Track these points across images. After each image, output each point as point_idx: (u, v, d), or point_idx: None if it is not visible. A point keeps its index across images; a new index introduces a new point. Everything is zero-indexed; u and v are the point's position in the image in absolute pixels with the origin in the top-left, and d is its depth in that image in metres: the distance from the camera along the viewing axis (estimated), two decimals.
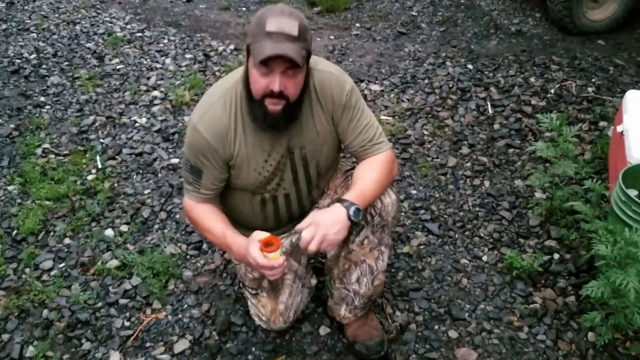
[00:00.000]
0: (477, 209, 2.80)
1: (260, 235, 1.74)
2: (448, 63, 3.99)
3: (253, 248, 1.72)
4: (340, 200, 1.77)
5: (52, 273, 2.49)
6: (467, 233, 2.67)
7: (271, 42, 1.58)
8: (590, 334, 2.18)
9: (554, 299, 2.34)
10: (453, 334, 2.22)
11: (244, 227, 2.00)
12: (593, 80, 3.74)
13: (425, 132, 3.33)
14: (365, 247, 1.97)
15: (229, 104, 1.78)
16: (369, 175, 1.86)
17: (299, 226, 1.75)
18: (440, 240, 2.63)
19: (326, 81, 1.83)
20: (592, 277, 2.17)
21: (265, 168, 1.86)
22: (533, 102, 3.53)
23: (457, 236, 2.65)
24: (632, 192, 2.14)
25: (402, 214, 2.74)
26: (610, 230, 2.03)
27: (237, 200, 1.99)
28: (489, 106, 3.52)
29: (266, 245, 1.71)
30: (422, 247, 2.59)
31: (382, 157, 1.91)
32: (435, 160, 3.12)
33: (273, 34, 1.58)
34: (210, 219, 1.91)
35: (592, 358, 2.12)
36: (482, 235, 2.65)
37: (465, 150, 3.18)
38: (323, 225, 1.71)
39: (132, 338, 2.22)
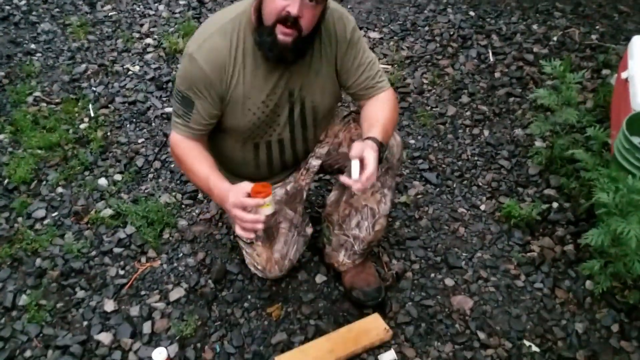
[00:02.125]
0: (476, 158, 2.76)
1: (247, 186, 1.64)
2: (449, 10, 3.87)
3: (233, 195, 1.63)
4: (369, 138, 1.69)
5: (45, 222, 2.46)
6: (465, 182, 2.63)
7: None
8: (588, 282, 2.17)
9: (552, 247, 2.32)
10: (449, 281, 2.21)
11: (236, 175, 1.96)
12: (597, 27, 3.64)
13: (425, 81, 3.25)
14: (368, 191, 1.93)
15: (230, 36, 1.69)
16: (383, 113, 1.81)
17: (352, 153, 1.62)
18: (438, 189, 2.60)
19: (329, 17, 1.75)
20: (591, 226, 2.15)
21: (260, 109, 1.79)
22: (535, 49, 3.44)
23: (455, 185, 2.62)
24: (636, 139, 2.09)
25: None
26: (612, 178, 2.00)
27: (228, 146, 1.93)
28: (490, 54, 3.43)
29: (255, 193, 1.63)
30: (419, 196, 2.56)
31: (388, 95, 1.86)
32: (434, 109, 3.06)
33: None
34: (195, 158, 1.80)
35: (590, 306, 2.11)
36: (480, 184, 2.62)
37: (465, 99, 3.11)
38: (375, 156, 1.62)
39: (127, 286, 2.21)
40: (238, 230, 1.67)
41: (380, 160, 1.68)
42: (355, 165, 1.62)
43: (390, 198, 2.01)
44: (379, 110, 1.83)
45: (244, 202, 1.61)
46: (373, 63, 1.85)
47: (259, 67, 1.73)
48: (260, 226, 1.63)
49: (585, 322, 2.07)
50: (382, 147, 1.70)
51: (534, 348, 1.99)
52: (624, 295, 2.11)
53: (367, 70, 1.83)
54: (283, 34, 1.60)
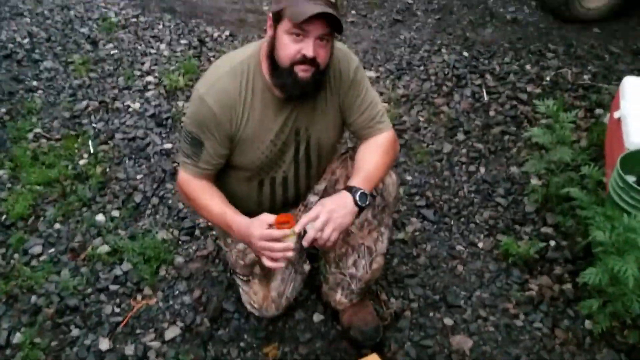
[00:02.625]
0: (473, 195, 2.77)
1: (269, 218, 1.66)
2: (443, 50, 3.95)
3: (258, 228, 1.64)
4: (346, 187, 1.73)
5: (42, 258, 2.45)
6: (462, 219, 2.64)
7: (312, 3, 1.54)
8: (587, 322, 2.16)
9: (550, 286, 2.32)
10: (448, 321, 2.20)
11: (238, 200, 1.96)
12: (589, 67, 3.71)
13: (421, 119, 3.30)
14: (365, 229, 1.94)
15: (240, 78, 1.73)
16: (372, 158, 1.83)
17: (307, 216, 1.66)
18: (435, 226, 2.61)
19: (334, 55, 1.78)
20: (588, 265, 2.15)
21: (269, 148, 1.81)
22: (529, 89, 3.50)
23: (452, 222, 2.62)
24: (631, 178, 2.11)
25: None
26: (608, 216, 2.01)
27: (233, 182, 1.93)
28: (485, 93, 3.49)
29: (279, 224, 1.64)
30: (417, 233, 2.56)
31: (385, 138, 1.88)
32: (430, 146, 3.09)
33: None
34: (207, 195, 1.81)
35: (590, 346, 2.10)
36: (477, 221, 2.63)
37: (460, 136, 3.15)
38: (332, 211, 1.66)
39: (122, 324, 2.19)
40: (267, 262, 1.68)
41: (361, 208, 1.71)
42: (309, 227, 1.66)
43: (387, 236, 2.01)
44: (370, 154, 1.84)
45: (272, 235, 1.63)
46: (375, 103, 1.88)
47: (267, 107, 1.76)
48: (291, 253, 1.66)
49: None
50: (354, 190, 1.71)
51: None
52: (623, 335, 2.09)
53: (369, 109, 1.86)
54: (303, 72, 1.64)
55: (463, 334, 2.15)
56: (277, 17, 1.62)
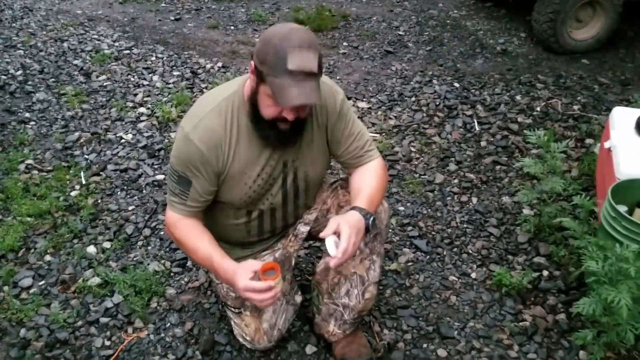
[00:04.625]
0: (465, 225, 2.78)
1: (254, 265, 1.69)
2: (435, 81, 4.01)
3: (242, 279, 1.65)
4: (354, 208, 1.75)
5: (32, 291, 2.42)
6: (455, 250, 2.64)
7: (295, 85, 1.53)
8: (581, 353, 2.15)
9: (544, 316, 2.30)
10: (442, 352, 2.17)
11: (225, 240, 1.95)
12: (578, 98, 3.77)
13: (413, 149, 3.32)
14: (357, 257, 1.93)
15: (225, 116, 1.73)
16: (370, 182, 1.85)
17: (325, 232, 1.67)
18: (428, 257, 2.60)
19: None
20: (582, 295, 2.14)
21: (256, 182, 1.82)
22: (519, 119, 3.54)
23: (445, 253, 2.62)
24: (622, 208, 2.12)
25: (390, 230, 2.71)
26: (600, 246, 2.01)
27: (220, 214, 1.94)
28: (476, 123, 3.52)
29: (264, 273, 1.66)
30: (410, 264, 2.56)
31: (377, 164, 1.91)
32: (422, 177, 3.11)
33: (295, 73, 1.54)
34: (196, 238, 1.82)
35: None
36: (470, 251, 2.63)
37: (452, 167, 3.17)
38: (355, 230, 1.67)
39: (113, 358, 2.15)
40: (257, 303, 1.70)
41: (368, 229, 1.72)
42: (329, 241, 1.66)
43: (380, 264, 2.01)
44: (367, 179, 1.87)
45: (255, 287, 1.65)
46: (362, 134, 1.90)
47: (252, 143, 1.77)
48: (278, 295, 1.68)
49: None
50: (367, 215, 1.74)
51: None
52: None
53: (356, 140, 1.88)
54: (284, 124, 1.67)
55: None
56: (260, 76, 1.60)
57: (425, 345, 2.20)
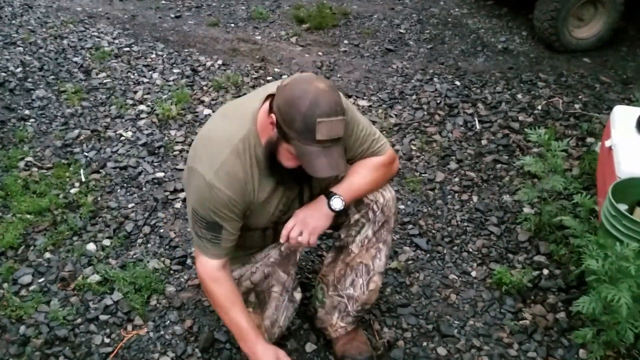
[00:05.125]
0: (466, 224, 2.77)
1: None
2: (436, 79, 4.00)
3: None
4: (324, 192, 1.81)
5: (31, 288, 2.42)
6: (455, 248, 2.64)
7: (323, 155, 1.57)
8: (581, 351, 2.15)
9: (544, 315, 2.30)
10: (442, 350, 2.17)
11: (238, 246, 1.95)
12: (579, 97, 3.76)
13: (413, 148, 3.31)
14: (364, 247, 1.95)
15: (244, 157, 1.71)
16: (361, 171, 1.86)
17: (284, 231, 1.79)
18: (428, 255, 2.60)
19: None
20: (582, 293, 2.14)
21: (278, 208, 1.85)
22: (520, 118, 3.54)
23: (445, 251, 2.62)
24: (622, 207, 2.12)
25: None
26: (600, 245, 2.01)
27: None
28: (477, 122, 3.52)
29: None
30: (410, 262, 2.55)
31: (380, 158, 1.90)
32: (423, 175, 3.10)
33: (325, 143, 1.56)
34: (232, 303, 1.85)
35: None
36: (470, 250, 2.62)
37: (453, 165, 3.16)
38: (305, 217, 1.78)
39: (112, 355, 2.15)
40: None
41: (332, 208, 1.80)
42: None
43: (386, 253, 2.00)
44: (360, 168, 1.87)
45: None
46: (368, 133, 1.88)
47: (271, 176, 1.77)
48: None
49: None
50: (330, 194, 1.80)
51: None
52: None
53: (363, 143, 1.87)
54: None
55: None
56: (284, 136, 1.60)
57: (425, 344, 2.20)
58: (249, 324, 1.86)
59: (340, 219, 1.95)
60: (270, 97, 1.70)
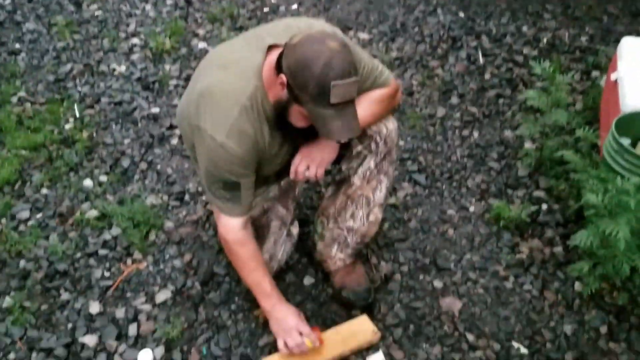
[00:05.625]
0: (466, 159, 2.75)
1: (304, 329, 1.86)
2: (439, 11, 3.87)
3: (298, 320, 1.86)
4: None
5: (30, 223, 2.42)
6: (454, 184, 2.62)
7: (337, 118, 1.54)
8: (577, 284, 2.17)
9: (541, 249, 2.31)
10: (438, 283, 2.20)
11: None
12: (586, 29, 3.65)
13: (414, 82, 3.24)
14: (365, 179, 1.95)
15: (252, 114, 1.66)
16: (364, 104, 1.80)
17: (292, 167, 1.82)
18: (427, 191, 2.59)
19: None
20: (580, 228, 2.14)
21: (284, 158, 1.85)
22: (525, 51, 3.44)
23: (444, 187, 2.60)
24: (625, 141, 2.09)
25: None
26: (601, 179, 1.99)
27: None
28: (480, 55, 3.42)
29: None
30: (408, 198, 2.54)
31: (383, 90, 1.86)
32: (424, 110, 3.05)
33: (339, 105, 1.51)
34: (258, 265, 1.88)
35: (578, 307, 2.11)
36: (469, 186, 2.61)
37: (454, 100, 3.10)
38: (310, 150, 1.79)
39: (112, 288, 2.18)
40: (289, 341, 1.86)
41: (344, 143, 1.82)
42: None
43: (386, 185, 2.00)
44: (363, 101, 1.81)
45: (305, 331, 1.85)
46: (370, 70, 1.82)
47: (278, 129, 1.74)
48: (303, 349, 1.86)
49: (573, 324, 2.06)
50: None
51: (523, 350, 1.98)
52: (612, 297, 2.11)
53: (366, 80, 1.81)
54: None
55: (452, 296, 2.15)
56: (296, 98, 1.56)
57: (421, 277, 2.22)
58: (271, 285, 1.88)
59: (341, 151, 1.93)
60: (272, 48, 1.65)
